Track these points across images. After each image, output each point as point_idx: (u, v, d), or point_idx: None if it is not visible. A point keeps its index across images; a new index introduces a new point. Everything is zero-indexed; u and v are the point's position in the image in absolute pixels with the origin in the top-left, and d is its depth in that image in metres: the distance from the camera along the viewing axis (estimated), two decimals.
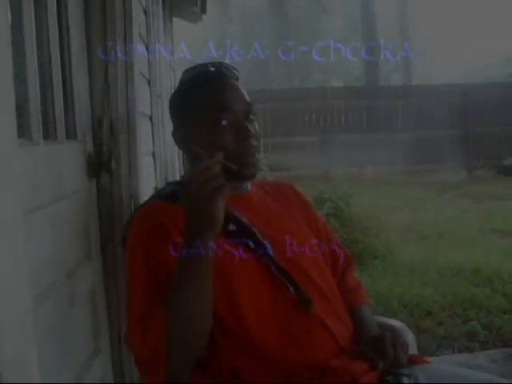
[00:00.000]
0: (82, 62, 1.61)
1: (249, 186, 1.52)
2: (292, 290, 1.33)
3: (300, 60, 26.64)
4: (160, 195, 1.45)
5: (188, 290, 1.17)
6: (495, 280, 4.36)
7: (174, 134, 1.50)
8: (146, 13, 2.81)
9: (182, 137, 1.46)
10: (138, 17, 2.07)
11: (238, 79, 1.47)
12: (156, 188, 2.59)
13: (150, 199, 1.49)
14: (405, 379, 1.25)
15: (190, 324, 1.19)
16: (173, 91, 1.55)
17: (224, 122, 1.36)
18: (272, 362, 1.26)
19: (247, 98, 1.42)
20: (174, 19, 5.98)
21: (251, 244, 1.35)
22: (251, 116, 1.41)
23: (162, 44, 3.81)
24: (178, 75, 1.58)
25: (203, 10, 6.09)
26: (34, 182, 1.18)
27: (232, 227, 1.35)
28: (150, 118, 2.74)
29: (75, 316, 1.47)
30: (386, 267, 4.93)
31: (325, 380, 1.23)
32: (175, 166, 3.98)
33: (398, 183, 11.18)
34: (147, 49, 2.78)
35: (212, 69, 1.45)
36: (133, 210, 1.66)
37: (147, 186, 1.98)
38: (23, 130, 1.19)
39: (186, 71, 1.49)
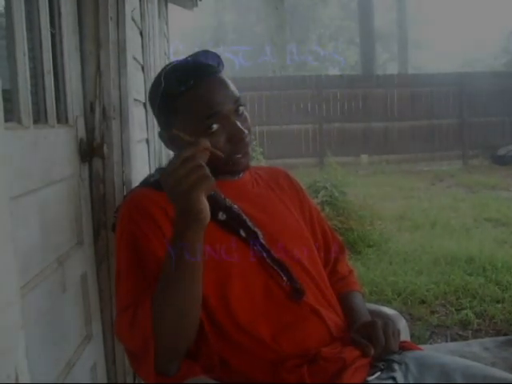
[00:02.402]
0: (74, 45, 1.60)
1: (241, 172, 1.51)
2: (285, 279, 1.32)
3: (296, 48, 26.58)
4: (148, 182, 1.42)
5: (176, 285, 1.15)
6: (489, 269, 4.38)
7: (160, 135, 1.44)
8: None
9: (169, 138, 1.41)
10: (131, 0, 2.04)
11: (220, 66, 1.40)
12: (149, 174, 2.57)
13: (139, 186, 1.46)
14: (396, 366, 1.25)
15: (178, 317, 1.18)
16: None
17: (215, 126, 1.31)
18: (263, 351, 1.25)
19: (235, 91, 1.36)
20: (170, 5, 5.93)
21: (242, 233, 1.34)
22: (240, 109, 1.36)
23: (156, 30, 3.78)
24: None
25: None
26: (23, 167, 1.17)
27: (222, 216, 1.34)
28: (144, 105, 2.72)
29: (66, 302, 1.46)
30: (380, 256, 4.94)
31: (315, 367, 1.23)
32: (170, 153, 3.96)
33: (392, 172, 11.21)
34: (141, 34, 2.75)
35: (197, 63, 1.38)
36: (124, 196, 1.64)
37: (140, 172, 1.97)
38: (12, 114, 1.17)
39: (166, 68, 1.39)
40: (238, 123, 1.33)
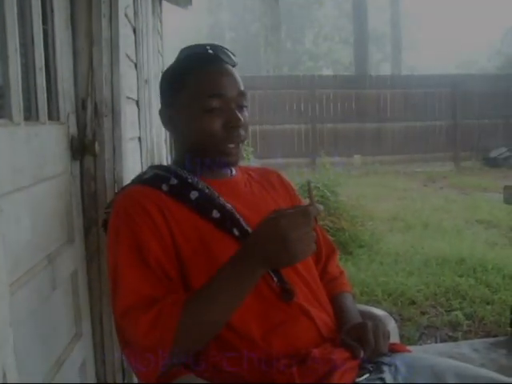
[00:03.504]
0: (67, 42, 1.59)
1: (234, 171, 1.51)
2: (275, 279, 1.32)
3: (290, 47, 26.60)
4: (141, 180, 1.42)
5: (222, 297, 1.18)
6: (479, 270, 4.40)
7: (161, 113, 1.47)
8: None
9: (169, 117, 1.45)
10: None
11: (235, 65, 1.45)
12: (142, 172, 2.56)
13: (132, 183, 1.45)
14: (385, 368, 1.25)
15: (210, 328, 1.20)
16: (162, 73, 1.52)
17: (216, 109, 1.34)
18: (253, 351, 1.24)
19: (241, 86, 1.40)
20: (164, 3, 5.91)
21: (236, 232, 1.33)
22: (244, 104, 1.40)
23: (150, 27, 3.77)
24: (166, 61, 1.55)
25: None
26: (14, 164, 1.16)
27: (216, 214, 1.34)
28: (137, 103, 2.71)
29: (56, 299, 1.45)
30: (372, 256, 4.96)
31: (305, 367, 1.22)
32: (162, 151, 3.95)
33: (385, 173, 11.24)
34: (134, 31, 2.74)
35: (210, 51, 1.43)
36: (116, 193, 1.64)
37: (132, 170, 1.96)
38: (3, 111, 1.16)
39: (183, 50, 1.46)
40: (237, 112, 1.36)
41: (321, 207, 1.14)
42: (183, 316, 1.15)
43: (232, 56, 1.45)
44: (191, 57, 1.42)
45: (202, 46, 1.45)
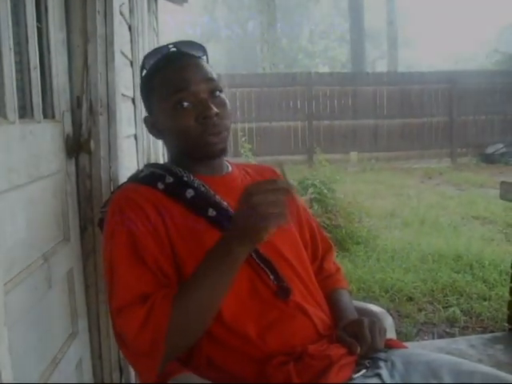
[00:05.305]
0: (61, 39, 1.58)
1: (229, 167, 1.51)
2: (272, 277, 1.32)
3: (286, 45, 26.58)
4: (137, 178, 1.42)
5: (209, 282, 1.17)
6: (476, 266, 4.41)
7: (145, 120, 1.49)
8: None
9: (151, 124, 1.46)
10: None
11: (203, 56, 1.45)
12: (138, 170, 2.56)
13: (128, 182, 1.45)
14: (382, 364, 1.25)
15: (202, 316, 1.19)
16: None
17: (185, 104, 1.33)
18: (249, 349, 1.25)
19: (211, 74, 1.39)
20: (160, 1, 5.90)
21: None
22: (217, 93, 1.38)
23: (145, 24, 3.76)
24: None
25: None
26: (9, 162, 1.16)
27: (212, 213, 1.33)
28: (133, 100, 2.70)
29: (52, 298, 1.45)
30: (369, 253, 4.96)
31: (301, 364, 1.22)
32: (158, 149, 3.94)
33: (382, 169, 11.24)
34: (130, 29, 2.73)
35: (173, 49, 1.43)
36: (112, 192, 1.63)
37: (128, 168, 1.96)
38: None
39: (147, 55, 1.46)
40: (209, 103, 1.34)
41: (293, 184, 1.13)
42: (173, 308, 1.15)
43: (197, 47, 1.45)
44: (156, 59, 1.42)
45: (165, 47, 1.45)
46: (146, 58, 1.45)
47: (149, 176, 1.39)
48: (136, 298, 1.18)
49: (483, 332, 3.30)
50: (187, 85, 1.34)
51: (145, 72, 1.44)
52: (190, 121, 1.33)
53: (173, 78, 1.36)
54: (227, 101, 1.41)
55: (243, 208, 1.09)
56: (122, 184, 1.48)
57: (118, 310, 1.21)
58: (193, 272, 1.20)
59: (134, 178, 1.43)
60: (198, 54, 1.44)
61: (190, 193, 1.34)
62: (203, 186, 1.36)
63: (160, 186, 1.35)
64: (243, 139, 7.61)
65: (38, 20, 1.42)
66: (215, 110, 1.33)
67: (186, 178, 1.37)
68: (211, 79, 1.38)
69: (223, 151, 1.40)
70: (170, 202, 1.32)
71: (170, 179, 1.36)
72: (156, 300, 1.16)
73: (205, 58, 1.46)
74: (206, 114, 1.32)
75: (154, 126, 1.45)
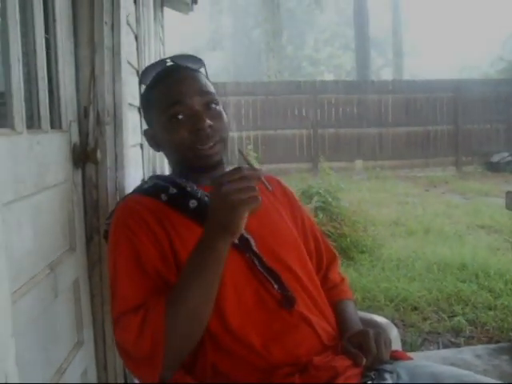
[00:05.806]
0: (69, 50, 1.59)
1: None
2: (276, 287, 1.32)
3: (291, 53, 26.63)
4: (141, 189, 1.43)
5: (196, 291, 1.16)
6: (481, 276, 4.39)
7: (145, 133, 1.51)
8: (135, 2, 2.78)
9: (150, 137, 1.48)
10: (127, 5, 2.04)
11: (200, 69, 1.46)
12: (143, 180, 2.57)
13: (132, 193, 1.46)
14: (387, 376, 1.25)
15: (193, 321, 1.18)
16: None
17: (180, 117, 1.35)
18: (254, 359, 1.24)
19: (206, 87, 1.40)
20: (165, 9, 5.93)
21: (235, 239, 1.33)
22: (212, 105, 1.39)
23: (152, 34, 3.78)
24: None
25: (194, 1, 6.06)
26: (16, 172, 1.16)
27: None
28: (139, 110, 2.71)
29: (58, 308, 1.45)
30: (373, 262, 4.95)
31: (306, 375, 1.22)
32: (163, 158, 3.95)
33: (387, 178, 11.22)
34: (136, 38, 2.75)
35: (169, 63, 1.45)
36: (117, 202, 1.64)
37: (134, 177, 1.96)
38: (5, 120, 1.17)
39: (146, 69, 1.48)
40: (203, 115, 1.35)
41: (260, 168, 1.16)
42: (167, 312, 1.15)
43: (198, 64, 1.46)
44: (154, 74, 1.44)
45: (162, 61, 1.47)
46: (144, 72, 1.47)
47: (152, 187, 1.41)
48: (132, 307, 1.20)
49: (488, 342, 3.29)
50: (182, 98, 1.36)
51: (145, 87, 1.47)
52: (185, 133, 1.35)
53: (168, 91, 1.38)
54: (223, 113, 1.42)
55: (215, 202, 1.11)
56: (127, 195, 1.50)
57: (117, 320, 1.23)
58: (180, 274, 1.21)
59: (138, 190, 1.45)
60: (194, 66, 1.45)
61: (193, 203, 1.35)
62: (206, 195, 1.37)
63: (163, 197, 1.36)
64: (248, 147, 7.63)
65: (46, 31, 1.43)
66: (209, 122, 1.34)
67: (189, 189, 1.38)
68: (206, 92, 1.39)
69: (219, 162, 1.41)
70: (173, 213, 1.33)
71: (173, 190, 1.37)
72: (149, 307, 1.18)
73: (202, 70, 1.48)
74: (199, 126, 1.34)
75: (152, 138, 1.47)
